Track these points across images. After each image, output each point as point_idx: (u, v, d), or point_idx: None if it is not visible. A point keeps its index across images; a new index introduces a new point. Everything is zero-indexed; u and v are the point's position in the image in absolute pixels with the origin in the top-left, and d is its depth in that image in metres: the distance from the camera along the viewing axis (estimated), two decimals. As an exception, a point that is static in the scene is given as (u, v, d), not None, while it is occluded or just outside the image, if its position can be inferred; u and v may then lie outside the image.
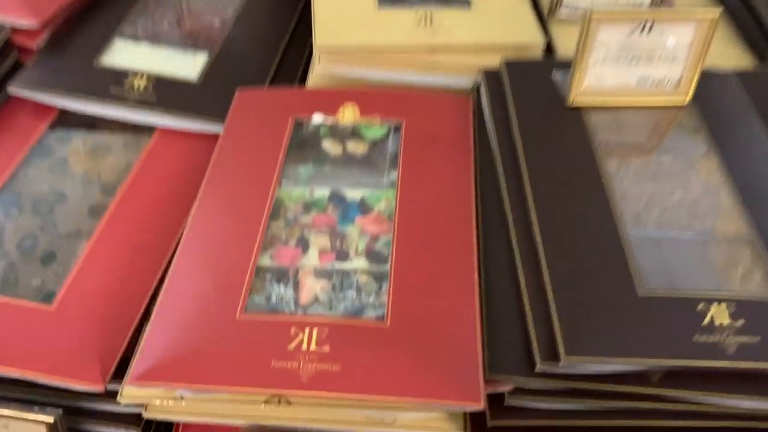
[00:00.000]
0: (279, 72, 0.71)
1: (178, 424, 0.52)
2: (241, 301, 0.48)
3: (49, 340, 0.49)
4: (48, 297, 0.51)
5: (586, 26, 0.56)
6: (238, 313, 0.47)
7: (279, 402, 0.46)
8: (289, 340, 0.45)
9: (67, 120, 0.66)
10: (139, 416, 0.49)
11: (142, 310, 0.52)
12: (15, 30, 0.69)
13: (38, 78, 0.66)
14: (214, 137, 0.62)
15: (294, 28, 0.77)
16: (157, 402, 0.47)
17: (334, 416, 0.46)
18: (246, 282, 0.49)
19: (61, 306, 0.51)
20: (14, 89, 0.66)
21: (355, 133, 0.61)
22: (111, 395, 0.48)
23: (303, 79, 0.72)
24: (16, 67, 0.69)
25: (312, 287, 0.49)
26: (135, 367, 0.45)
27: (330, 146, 0.60)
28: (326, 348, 0.44)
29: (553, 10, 0.72)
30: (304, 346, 0.44)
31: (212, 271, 0.49)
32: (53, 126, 0.66)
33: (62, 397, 0.49)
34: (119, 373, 0.48)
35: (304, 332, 0.45)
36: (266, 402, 0.46)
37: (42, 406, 0.47)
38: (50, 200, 0.59)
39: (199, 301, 0.48)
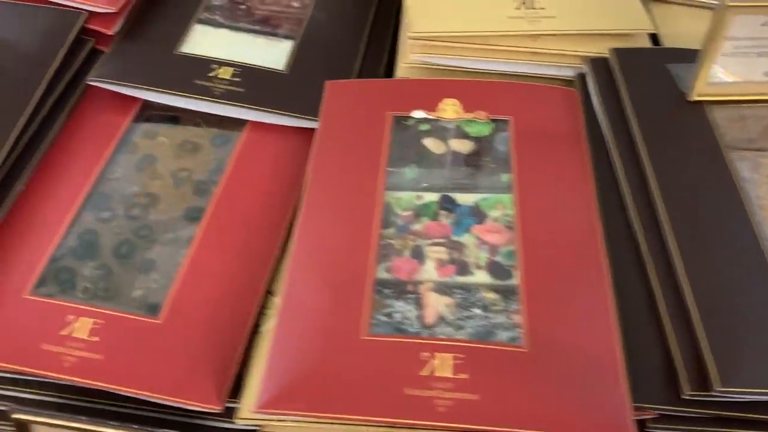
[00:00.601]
0: (365, 60, 0.68)
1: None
2: (363, 320, 0.45)
3: (160, 356, 0.47)
4: (153, 309, 0.49)
5: (721, 16, 0.52)
6: (362, 334, 0.44)
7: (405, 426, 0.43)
8: (420, 365, 0.42)
9: (150, 112, 0.63)
10: (251, 433, 0.47)
11: (251, 322, 0.49)
12: (90, 14, 0.66)
13: (119, 68, 0.63)
14: (308, 130, 0.59)
15: (375, 12, 0.72)
16: (276, 423, 0.45)
17: (466, 443, 0.44)
18: (366, 298, 0.46)
19: (169, 319, 0.48)
20: (95, 80, 0.63)
21: (458, 130, 0.58)
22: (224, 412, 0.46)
23: (388, 67, 0.69)
24: (93, 53, 0.66)
25: (436, 304, 0.46)
26: (261, 392, 0.43)
27: (432, 145, 0.57)
28: (463, 375, 0.42)
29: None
30: (439, 372, 0.42)
31: (329, 286, 0.47)
32: (137, 119, 0.63)
33: (169, 413, 0.47)
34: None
35: (435, 357, 0.43)
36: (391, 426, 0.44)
37: (152, 426, 0.45)
38: (142, 202, 0.56)
39: (319, 320, 0.45)
